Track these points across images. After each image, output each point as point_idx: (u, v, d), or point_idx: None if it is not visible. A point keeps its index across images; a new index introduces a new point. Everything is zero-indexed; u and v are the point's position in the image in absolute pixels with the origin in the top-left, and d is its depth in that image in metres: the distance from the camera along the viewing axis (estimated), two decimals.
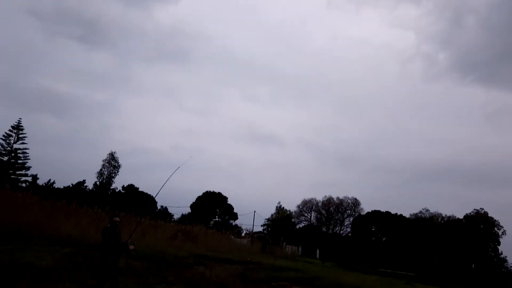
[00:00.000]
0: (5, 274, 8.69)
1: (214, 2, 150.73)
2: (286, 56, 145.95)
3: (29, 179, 50.53)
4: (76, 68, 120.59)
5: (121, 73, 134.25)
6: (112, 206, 29.49)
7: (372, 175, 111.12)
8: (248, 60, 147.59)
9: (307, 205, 68.67)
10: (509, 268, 65.00)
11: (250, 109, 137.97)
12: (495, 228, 66.47)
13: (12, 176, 49.18)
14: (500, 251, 66.87)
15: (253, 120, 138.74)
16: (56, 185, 52.46)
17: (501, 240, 66.00)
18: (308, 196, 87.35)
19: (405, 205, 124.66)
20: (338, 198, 67.75)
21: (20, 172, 50.33)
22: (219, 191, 74.59)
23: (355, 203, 67.11)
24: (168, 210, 75.85)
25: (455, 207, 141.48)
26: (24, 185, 47.27)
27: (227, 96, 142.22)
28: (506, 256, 65.97)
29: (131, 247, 7.78)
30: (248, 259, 28.65)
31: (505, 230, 65.56)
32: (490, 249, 68.17)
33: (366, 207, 70.98)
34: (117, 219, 7.77)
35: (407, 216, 68.13)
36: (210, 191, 73.28)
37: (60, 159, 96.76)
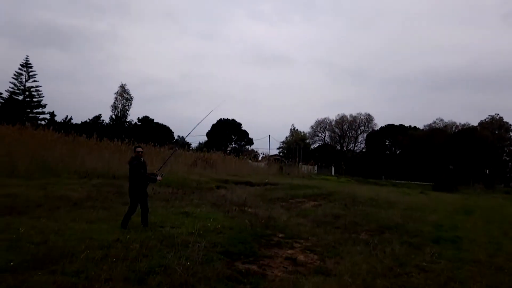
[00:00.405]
0: (43, 206, 9.36)
1: None
2: None
3: (47, 116, 51.69)
4: None
5: (119, 0, 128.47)
6: (130, 138, 30.24)
7: (385, 88, 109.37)
8: None
9: (321, 125, 69.16)
10: None
11: (257, 28, 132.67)
12: (511, 133, 66.44)
13: (30, 115, 50.34)
14: None
15: (261, 40, 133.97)
16: (73, 121, 53.64)
17: None
18: (321, 116, 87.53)
19: (419, 116, 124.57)
20: (351, 115, 67.88)
21: (37, 110, 51.35)
22: (233, 118, 75.27)
23: (368, 119, 67.17)
24: (185, 139, 77.75)
25: (470, 115, 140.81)
26: (43, 122, 48.54)
27: (232, 17, 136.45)
28: None
29: (159, 178, 8.21)
30: (266, 180, 29.84)
31: None
32: (505, 154, 68.84)
33: (380, 122, 71.18)
34: (140, 149, 8.07)
35: (421, 127, 68.29)
36: (224, 118, 73.98)
37: (73, 95, 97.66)
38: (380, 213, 13.31)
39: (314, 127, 69.26)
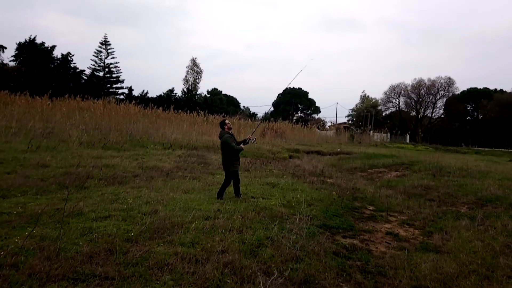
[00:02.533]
0: (140, 176, 9.96)
1: None
2: None
3: (125, 91, 55.01)
4: None
5: None
6: (202, 110, 31.17)
7: (465, 47, 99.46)
8: None
9: (395, 91, 65.14)
10: None
11: None
12: None
13: (110, 90, 54.02)
14: None
15: (326, 4, 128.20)
16: (149, 95, 56.48)
17: None
18: (395, 81, 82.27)
19: (505, 78, 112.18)
20: (429, 79, 62.82)
21: (116, 85, 54.87)
22: (299, 86, 74.07)
23: (449, 82, 61.68)
24: (251, 110, 78.68)
25: None
26: (122, 97, 51.78)
27: None
28: None
29: (253, 140, 8.50)
30: (338, 149, 29.17)
31: None
32: None
33: (462, 86, 65.23)
34: (229, 123, 8.12)
35: (509, 90, 61.38)
36: (290, 87, 73.05)
37: (147, 70, 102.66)
38: (475, 184, 12.24)
39: (387, 93, 65.62)
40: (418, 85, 63.49)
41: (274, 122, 39.44)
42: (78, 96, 25.14)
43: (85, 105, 24.03)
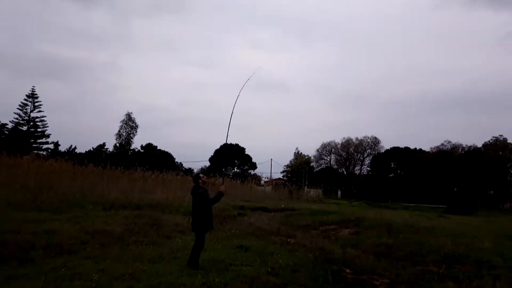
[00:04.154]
0: (89, 242, 8.62)
1: None
2: None
3: (51, 146, 50.88)
4: (74, 30, 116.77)
5: (120, 31, 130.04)
6: (133, 165, 29.46)
7: (386, 112, 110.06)
8: (250, 4, 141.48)
9: (326, 148, 68.68)
10: None
11: (255, 57, 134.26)
12: None
13: (33, 145, 49.52)
14: None
15: (259, 68, 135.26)
16: (77, 150, 52.80)
17: None
18: (326, 139, 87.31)
19: (421, 139, 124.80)
20: (357, 138, 67.60)
21: (40, 140, 50.58)
22: (236, 142, 74.83)
23: (375, 141, 66.92)
24: (183, 166, 77.03)
25: (471, 137, 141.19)
26: (45, 153, 47.65)
27: (231, 45, 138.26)
28: None
29: (222, 188, 7.57)
30: (282, 206, 29.03)
31: None
32: (509, 175, 68.44)
33: (386, 145, 71.02)
34: (204, 177, 7.51)
35: (427, 150, 68.10)
36: (228, 143, 73.45)
37: (75, 125, 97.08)
38: (430, 241, 12.59)
39: (319, 150, 68.96)
40: (347, 144, 67.85)
41: (212, 177, 38.63)
42: (4, 152, 22.39)
43: (11, 161, 21.39)
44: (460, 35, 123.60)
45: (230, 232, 12.43)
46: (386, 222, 18.43)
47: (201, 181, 7.33)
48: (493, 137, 67.93)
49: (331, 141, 71.89)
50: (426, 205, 53.14)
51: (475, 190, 58.66)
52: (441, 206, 49.80)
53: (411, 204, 54.04)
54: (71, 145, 53.81)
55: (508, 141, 67.44)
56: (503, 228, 20.67)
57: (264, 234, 13.52)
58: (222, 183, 7.89)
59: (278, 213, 25.15)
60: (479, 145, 67.13)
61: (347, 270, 8.43)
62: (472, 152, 62.17)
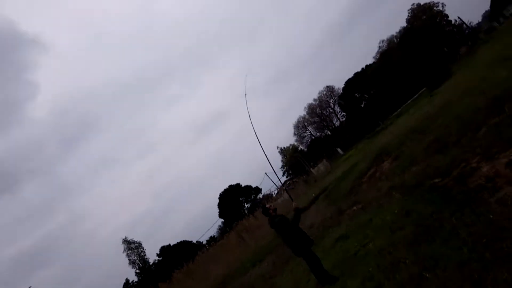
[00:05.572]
0: None
1: None
2: None
3: None
4: None
5: None
6: (168, 275, 27.58)
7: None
8: None
9: (299, 126, 68.77)
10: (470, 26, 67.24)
11: (179, 109, 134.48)
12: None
13: None
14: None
15: (190, 116, 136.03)
16: None
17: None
18: (291, 121, 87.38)
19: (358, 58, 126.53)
20: (314, 99, 68.09)
21: None
22: (228, 184, 73.64)
23: (330, 90, 67.67)
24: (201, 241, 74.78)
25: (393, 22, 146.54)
26: None
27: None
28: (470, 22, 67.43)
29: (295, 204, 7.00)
30: (313, 194, 28.15)
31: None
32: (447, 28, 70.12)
33: (338, 84, 71.82)
34: (272, 206, 6.78)
35: (371, 62, 69.25)
36: (222, 191, 72.11)
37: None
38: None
39: (296, 132, 68.94)
40: (311, 110, 68.24)
41: (229, 232, 36.98)
42: None
43: None
44: None
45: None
46: (410, 129, 17.98)
47: (271, 211, 6.72)
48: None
49: (298, 118, 71.74)
50: (409, 101, 53.67)
51: (436, 59, 59.82)
52: (420, 91, 50.68)
53: (398, 110, 54.62)
54: None
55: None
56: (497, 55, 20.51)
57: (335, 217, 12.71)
58: (292, 200, 7.27)
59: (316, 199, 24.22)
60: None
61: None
62: (408, 31, 62.31)
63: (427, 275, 3.90)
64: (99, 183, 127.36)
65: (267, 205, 6.82)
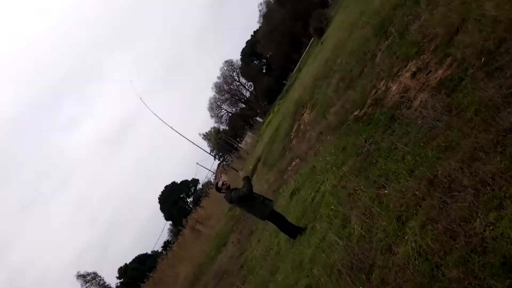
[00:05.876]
0: None
1: None
2: None
3: None
4: None
5: None
6: None
7: None
8: None
9: (213, 107, 68.62)
10: None
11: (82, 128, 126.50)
12: None
13: None
14: None
15: (96, 132, 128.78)
16: None
17: None
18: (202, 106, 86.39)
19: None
20: (218, 77, 68.36)
21: None
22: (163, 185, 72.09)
23: (228, 63, 68.42)
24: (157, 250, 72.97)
25: None
26: None
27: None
28: None
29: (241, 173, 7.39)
30: (250, 166, 28.61)
31: None
32: None
33: (232, 56, 72.45)
34: (225, 185, 6.85)
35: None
36: (160, 194, 70.34)
37: None
38: None
39: (212, 114, 68.87)
40: (219, 88, 68.39)
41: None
42: None
43: None
44: None
45: None
46: (315, 77, 18.83)
47: (224, 188, 6.76)
48: None
49: (209, 99, 70.57)
50: (304, 54, 55.66)
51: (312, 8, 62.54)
52: (310, 42, 52.86)
53: (297, 64, 55.93)
54: None
55: None
56: None
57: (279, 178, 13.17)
58: (237, 171, 7.49)
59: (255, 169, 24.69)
60: None
61: None
62: None
63: (385, 191, 4.34)
64: (27, 229, 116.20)
65: (219, 184, 6.86)
